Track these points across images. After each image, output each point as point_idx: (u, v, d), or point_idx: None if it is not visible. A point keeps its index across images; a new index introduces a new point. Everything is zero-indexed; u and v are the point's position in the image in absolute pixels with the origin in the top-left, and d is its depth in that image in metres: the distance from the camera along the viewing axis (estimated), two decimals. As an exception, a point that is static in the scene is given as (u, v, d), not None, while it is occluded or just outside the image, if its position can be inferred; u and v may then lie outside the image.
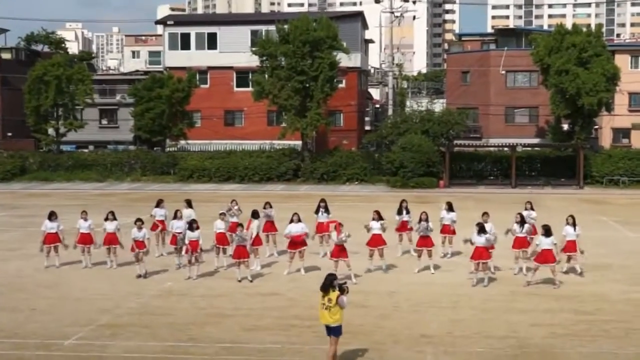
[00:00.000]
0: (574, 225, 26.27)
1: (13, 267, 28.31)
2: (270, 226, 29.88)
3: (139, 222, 26.72)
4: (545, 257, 24.50)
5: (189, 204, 31.03)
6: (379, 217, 26.97)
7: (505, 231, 27.11)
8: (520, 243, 26.58)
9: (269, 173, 64.37)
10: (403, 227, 29.78)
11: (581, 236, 26.59)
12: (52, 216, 28.18)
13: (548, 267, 24.59)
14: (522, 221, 26.88)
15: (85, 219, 28.11)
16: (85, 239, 27.96)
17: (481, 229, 25.05)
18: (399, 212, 29.85)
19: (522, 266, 26.42)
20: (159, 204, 31.33)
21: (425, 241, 26.86)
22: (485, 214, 27.13)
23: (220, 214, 28.10)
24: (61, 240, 27.98)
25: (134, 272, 26.30)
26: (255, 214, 28.06)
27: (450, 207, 29.89)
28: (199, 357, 17.52)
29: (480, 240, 24.83)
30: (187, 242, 25.88)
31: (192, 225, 26.19)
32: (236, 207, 30.18)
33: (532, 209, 29.52)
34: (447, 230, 29.46)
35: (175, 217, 28.57)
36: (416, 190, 57.50)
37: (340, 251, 25.16)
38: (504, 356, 17.63)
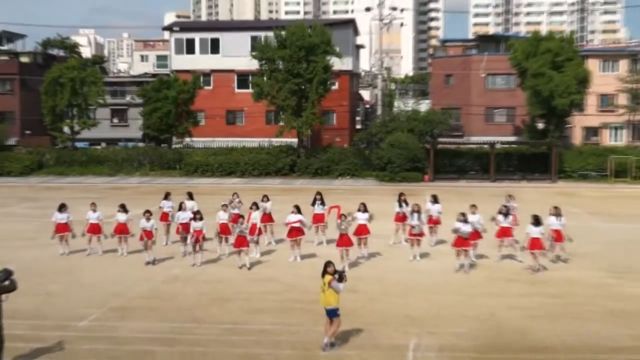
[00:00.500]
0: (557, 215, 26.37)
1: (31, 254, 28.29)
2: (267, 218, 29.91)
3: (148, 213, 26.76)
4: (534, 244, 24.64)
5: (190, 196, 31.04)
6: (364, 208, 27.03)
7: (491, 218, 27.17)
8: (504, 232, 26.68)
9: (267, 168, 64.39)
10: (402, 218, 29.74)
11: (566, 226, 26.61)
12: (62, 208, 28.21)
13: (536, 253, 24.74)
14: (507, 212, 26.98)
15: (94, 211, 28.13)
16: (94, 229, 27.99)
17: (465, 219, 25.12)
18: (399, 205, 29.86)
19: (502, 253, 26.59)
20: (166, 196, 31.40)
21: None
22: (473, 205, 27.19)
23: (223, 206, 28.14)
24: (70, 230, 28.05)
25: (143, 259, 26.32)
26: (255, 206, 28.17)
27: (435, 200, 29.99)
28: (203, 337, 17.56)
29: (465, 229, 24.88)
30: (192, 231, 25.98)
31: (196, 216, 26.28)
32: (237, 200, 30.22)
33: (513, 199, 29.65)
34: (433, 221, 29.56)
35: (180, 209, 28.58)
36: (403, 184, 57.51)
37: (343, 241, 25.24)
38: (483, 336, 17.68)
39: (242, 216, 26.42)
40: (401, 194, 30.54)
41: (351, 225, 25.65)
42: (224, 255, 27.39)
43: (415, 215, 26.75)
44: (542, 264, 25.19)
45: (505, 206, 27.66)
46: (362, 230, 26.75)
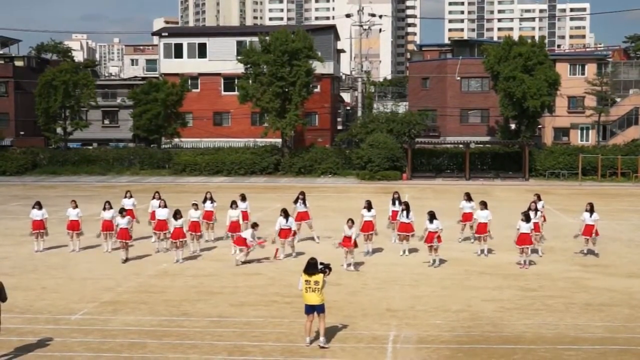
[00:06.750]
0: (591, 211, 26.61)
1: (25, 250, 28.10)
2: (245, 215, 29.66)
3: (123, 211, 26.40)
4: (523, 240, 24.73)
5: (158, 196, 30.44)
6: (369, 206, 26.92)
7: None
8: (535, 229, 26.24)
9: (252, 167, 64.29)
10: (395, 216, 29.44)
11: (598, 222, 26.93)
12: (37, 205, 27.99)
13: (524, 248, 24.81)
14: (535, 209, 27.02)
15: (74, 208, 27.92)
16: (74, 226, 27.80)
17: (432, 217, 25.03)
18: (393, 203, 29.51)
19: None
20: (126, 194, 31.26)
21: (406, 227, 26.80)
22: (482, 202, 27.41)
23: (193, 205, 27.69)
24: (45, 227, 27.84)
25: (133, 255, 26.13)
26: (234, 204, 28.10)
27: (469, 198, 29.83)
28: (191, 330, 17.46)
29: (432, 227, 24.84)
30: (171, 229, 25.83)
31: (176, 215, 25.95)
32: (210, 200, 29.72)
33: (539, 199, 29.45)
34: (468, 218, 29.23)
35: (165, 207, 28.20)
36: (382, 182, 57.62)
37: (344, 241, 24.74)
38: (459, 327, 17.67)
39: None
40: (395, 193, 30.28)
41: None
42: (196, 251, 27.14)
43: (404, 212, 26.65)
44: (531, 259, 25.28)
45: (535, 203, 27.77)
46: (367, 227, 26.63)
